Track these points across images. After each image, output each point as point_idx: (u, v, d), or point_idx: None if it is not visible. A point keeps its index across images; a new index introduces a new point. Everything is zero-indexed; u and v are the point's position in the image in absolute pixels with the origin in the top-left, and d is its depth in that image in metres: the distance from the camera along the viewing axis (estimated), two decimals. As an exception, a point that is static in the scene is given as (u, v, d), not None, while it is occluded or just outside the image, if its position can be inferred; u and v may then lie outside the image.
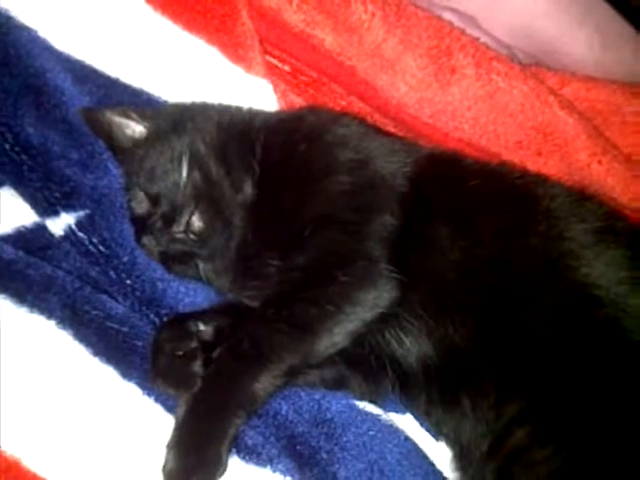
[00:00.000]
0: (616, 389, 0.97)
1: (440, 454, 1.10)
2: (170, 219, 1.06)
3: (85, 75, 1.17)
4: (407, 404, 1.11)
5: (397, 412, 1.12)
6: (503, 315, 1.03)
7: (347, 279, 1.01)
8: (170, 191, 1.07)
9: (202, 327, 1.02)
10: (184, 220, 1.06)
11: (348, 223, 1.06)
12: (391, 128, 1.27)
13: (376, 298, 1.02)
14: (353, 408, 1.06)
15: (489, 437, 1.03)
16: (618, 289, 1.02)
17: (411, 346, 1.05)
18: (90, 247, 1.07)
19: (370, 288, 1.02)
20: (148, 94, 1.21)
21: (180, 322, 1.03)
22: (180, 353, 0.99)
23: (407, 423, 1.11)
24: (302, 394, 1.05)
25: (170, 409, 0.99)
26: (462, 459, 1.07)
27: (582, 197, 1.14)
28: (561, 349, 1.00)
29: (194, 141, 1.11)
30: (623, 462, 0.94)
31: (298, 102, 1.29)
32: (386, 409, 1.10)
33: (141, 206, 1.09)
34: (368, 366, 1.08)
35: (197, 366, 0.98)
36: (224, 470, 0.93)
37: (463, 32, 1.21)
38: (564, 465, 0.96)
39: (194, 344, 1.00)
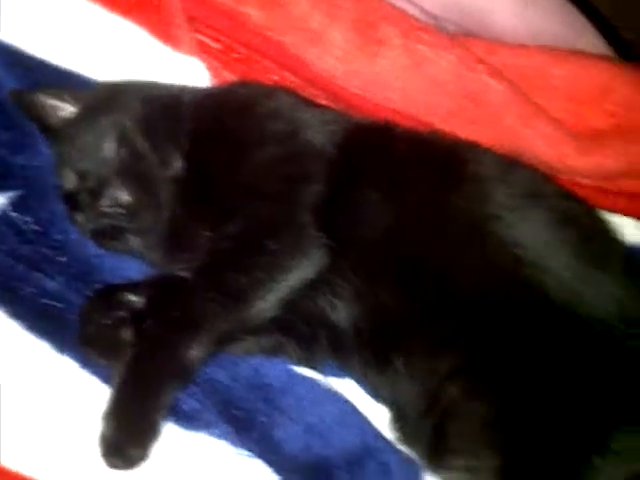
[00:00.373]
0: (539, 345, 0.99)
1: (380, 416, 1.11)
2: (97, 193, 1.06)
3: (15, 59, 1.18)
4: (343, 368, 1.12)
5: (337, 377, 1.12)
6: (430, 276, 1.04)
7: (276, 247, 1.03)
8: (96, 166, 1.08)
9: (132, 298, 1.02)
10: (110, 194, 1.06)
11: (277, 193, 1.07)
12: (323, 100, 1.28)
13: (306, 265, 1.04)
14: (291, 373, 1.08)
15: (423, 396, 1.04)
16: (541, 251, 1.04)
17: (343, 310, 1.06)
18: (23, 226, 1.07)
19: (299, 255, 1.04)
20: (81, 76, 1.22)
21: (109, 293, 1.04)
22: (108, 322, 1.00)
23: (347, 387, 1.12)
24: (239, 361, 1.06)
25: (107, 380, 0.98)
26: (400, 419, 1.08)
27: (511, 162, 1.15)
28: (486, 307, 1.02)
29: (120, 117, 1.11)
30: (550, 412, 0.96)
31: (231, 79, 1.29)
32: (326, 374, 1.11)
33: (70, 183, 1.09)
34: (302, 332, 1.09)
35: (125, 334, 0.99)
36: (158, 437, 0.93)
37: (389, 4, 1.22)
38: (495, 417, 0.98)
39: (122, 313, 1.01)
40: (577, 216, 1.11)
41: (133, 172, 1.08)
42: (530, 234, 1.05)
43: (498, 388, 0.99)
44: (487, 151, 1.17)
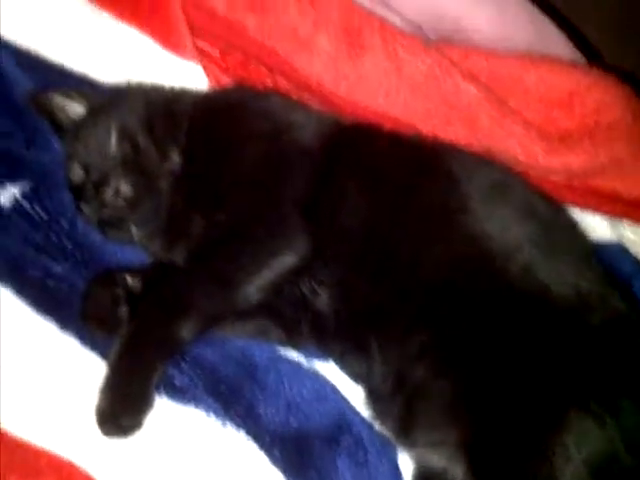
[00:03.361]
0: (502, 327, 1.00)
1: (357, 395, 1.11)
2: (100, 185, 1.08)
3: (30, 61, 1.20)
4: (324, 350, 1.13)
5: (320, 359, 1.14)
6: (402, 263, 1.05)
7: (262, 234, 1.05)
8: (100, 160, 1.10)
9: (129, 279, 1.05)
10: (113, 186, 1.08)
11: (263, 184, 1.09)
12: (315, 104, 1.28)
13: (289, 252, 1.05)
14: (274, 353, 1.10)
15: (394, 375, 1.05)
16: (509, 242, 1.04)
17: (324, 296, 1.08)
18: (34, 215, 1.09)
19: (283, 243, 1.05)
20: (90, 79, 1.24)
21: (109, 274, 1.06)
22: (107, 299, 1.02)
23: (329, 369, 1.13)
24: (227, 341, 1.08)
25: (105, 356, 1.00)
26: (373, 397, 1.09)
27: (483, 160, 1.17)
28: (454, 293, 1.02)
29: (124, 116, 1.13)
30: (514, 390, 0.96)
31: (227, 83, 1.31)
32: (309, 356, 1.13)
33: (77, 176, 1.11)
34: (286, 316, 1.10)
35: (122, 311, 1.02)
36: (151, 408, 0.95)
37: (371, 12, 1.23)
38: (461, 395, 0.99)
39: (120, 292, 1.03)
40: (542, 209, 1.11)
41: (134, 166, 1.10)
42: (497, 226, 1.05)
43: (464, 367, 1.00)
44: (461, 149, 1.19)
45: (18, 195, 1.09)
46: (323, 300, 1.08)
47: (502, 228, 1.05)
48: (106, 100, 1.17)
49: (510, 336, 0.99)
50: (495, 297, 1.01)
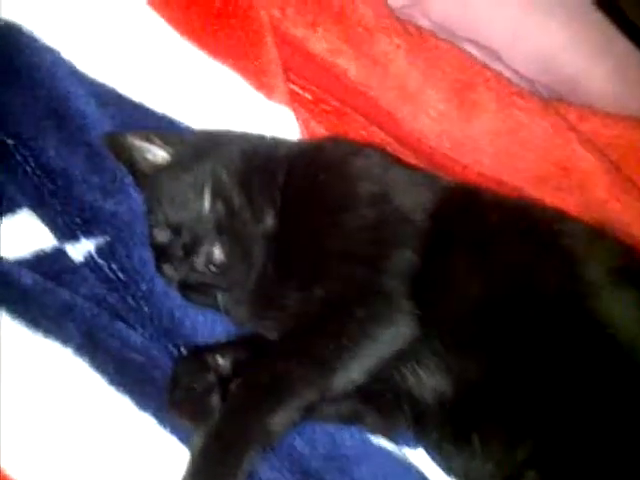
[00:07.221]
0: (630, 435, 0.92)
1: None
2: (191, 249, 0.99)
3: (108, 98, 1.11)
4: (420, 439, 1.05)
5: (409, 446, 1.07)
6: (517, 351, 0.97)
7: (365, 315, 0.95)
8: (192, 221, 1.01)
9: (220, 361, 0.96)
10: (205, 251, 0.99)
11: (367, 257, 0.99)
12: (411, 159, 1.20)
13: (394, 335, 0.96)
14: (366, 443, 1.01)
15: (497, 477, 0.97)
16: (631, 329, 0.97)
17: (428, 382, 0.99)
18: (109, 274, 1.01)
19: (388, 325, 0.96)
20: (171, 119, 1.15)
21: (198, 355, 0.97)
22: (197, 387, 0.93)
23: (419, 457, 1.06)
24: (317, 429, 0.99)
25: (184, 440, 0.94)
26: None
27: (599, 236, 1.08)
28: (574, 389, 0.94)
29: (217, 170, 1.04)
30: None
31: (319, 130, 1.22)
32: (398, 443, 1.05)
33: (162, 234, 1.02)
34: (384, 401, 1.02)
35: (214, 400, 0.93)
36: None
37: (486, 66, 1.15)
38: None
39: (211, 378, 0.94)
40: None
41: (228, 230, 1.01)
42: (620, 312, 0.98)
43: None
44: (576, 222, 1.10)
45: (93, 251, 1.01)
46: (426, 387, 0.99)
47: (626, 314, 0.98)
48: (195, 149, 1.08)
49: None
50: (622, 391, 0.93)
